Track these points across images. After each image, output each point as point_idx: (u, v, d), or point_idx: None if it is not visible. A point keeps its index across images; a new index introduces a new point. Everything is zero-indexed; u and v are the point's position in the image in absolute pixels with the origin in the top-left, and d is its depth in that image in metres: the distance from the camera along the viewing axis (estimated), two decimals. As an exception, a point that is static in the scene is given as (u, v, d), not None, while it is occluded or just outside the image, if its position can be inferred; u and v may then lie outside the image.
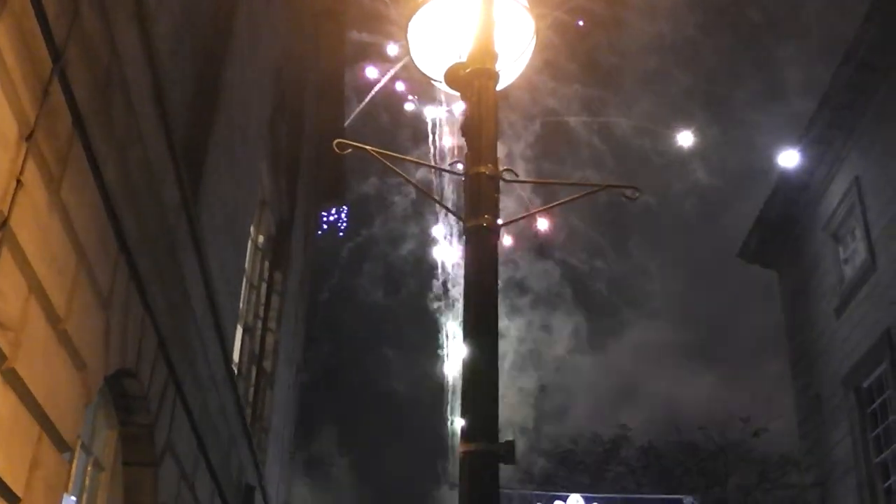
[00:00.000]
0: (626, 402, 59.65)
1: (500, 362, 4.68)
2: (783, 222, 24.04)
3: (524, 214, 6.69)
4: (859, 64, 19.66)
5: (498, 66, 5.36)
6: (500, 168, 5.11)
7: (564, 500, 27.89)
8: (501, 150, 5.30)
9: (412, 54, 5.81)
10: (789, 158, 22.65)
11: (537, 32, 5.67)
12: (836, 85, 20.51)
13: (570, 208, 49.29)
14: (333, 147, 5.64)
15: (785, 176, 23.06)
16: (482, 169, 5.00)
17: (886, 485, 18.88)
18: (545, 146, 47.28)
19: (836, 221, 21.71)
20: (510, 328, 53.53)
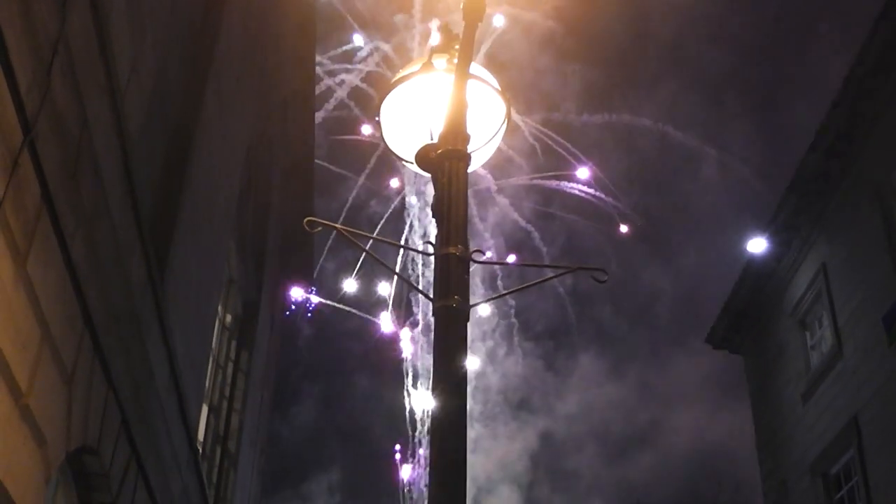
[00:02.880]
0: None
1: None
2: (750, 309, 24.16)
3: (493, 297, 6.70)
4: (826, 151, 19.88)
5: (469, 148, 5.37)
6: (470, 249, 5.09)
7: None
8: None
9: (384, 135, 5.82)
10: (757, 245, 22.78)
11: (508, 116, 5.70)
12: (804, 172, 20.72)
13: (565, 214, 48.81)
14: (304, 225, 5.63)
15: (752, 263, 23.19)
16: (451, 250, 4.98)
17: (853, 573, 18.81)
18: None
19: (803, 308, 21.83)
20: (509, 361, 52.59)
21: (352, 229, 5.53)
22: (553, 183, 48.28)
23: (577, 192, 48.20)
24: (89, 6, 6.15)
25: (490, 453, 55.13)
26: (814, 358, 21.30)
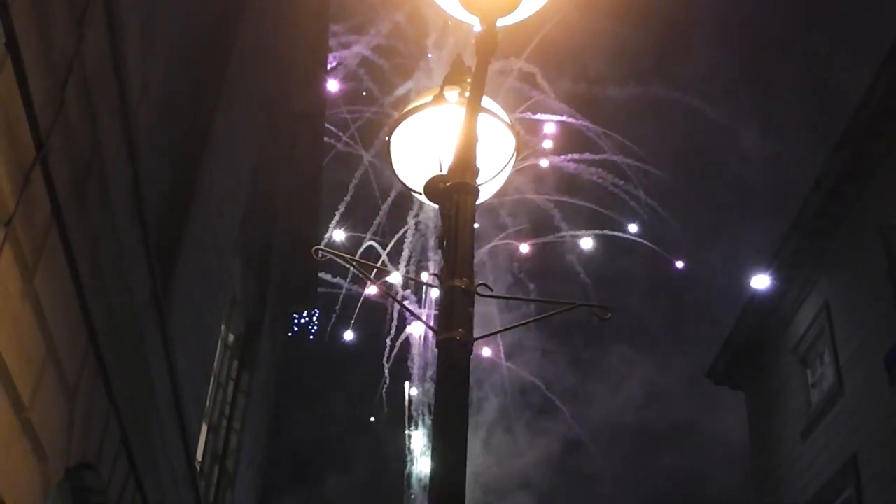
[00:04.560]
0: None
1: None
2: (752, 345, 24.10)
3: (496, 331, 6.73)
4: (829, 191, 19.91)
5: (478, 181, 5.40)
6: (476, 282, 5.11)
7: None
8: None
9: (394, 165, 5.87)
10: (760, 282, 22.79)
11: (518, 149, 5.74)
12: (807, 211, 20.75)
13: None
14: (311, 253, 5.68)
15: (755, 298, 23.19)
16: (457, 283, 5.00)
17: None
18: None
19: (804, 345, 21.79)
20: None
21: (358, 259, 5.57)
22: (573, 166, 47.10)
23: (596, 178, 47.16)
24: (105, 25, 6.20)
25: (505, 456, 54.07)
26: (814, 396, 21.24)
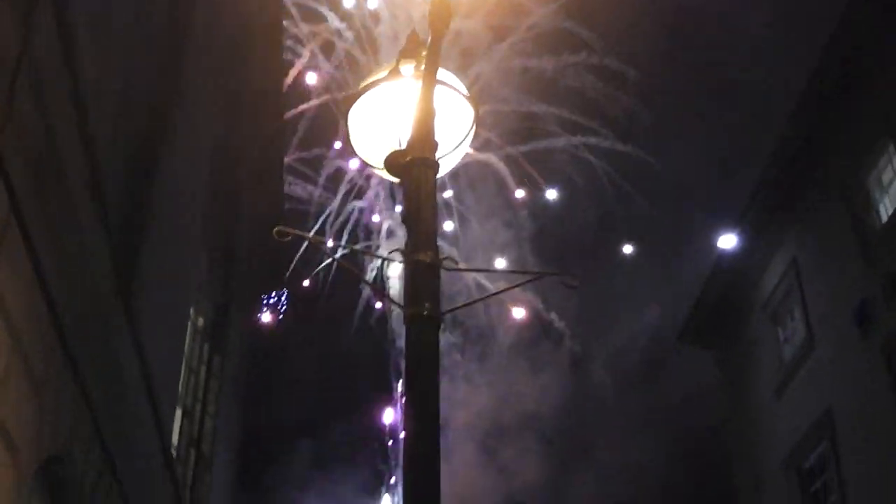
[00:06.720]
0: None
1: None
2: (722, 304, 24.15)
3: (465, 303, 6.66)
4: (795, 151, 19.96)
5: (438, 155, 5.35)
6: (441, 255, 5.08)
7: None
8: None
9: (352, 141, 5.82)
10: (727, 241, 22.80)
11: (476, 121, 5.70)
12: (774, 167, 20.79)
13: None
14: (273, 234, 5.63)
15: (723, 258, 23.22)
16: (421, 257, 4.96)
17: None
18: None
19: (774, 302, 21.89)
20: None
21: (322, 239, 5.53)
22: (550, 68, 44.75)
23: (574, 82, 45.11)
24: (54, 19, 6.13)
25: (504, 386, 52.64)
26: (786, 352, 21.36)
